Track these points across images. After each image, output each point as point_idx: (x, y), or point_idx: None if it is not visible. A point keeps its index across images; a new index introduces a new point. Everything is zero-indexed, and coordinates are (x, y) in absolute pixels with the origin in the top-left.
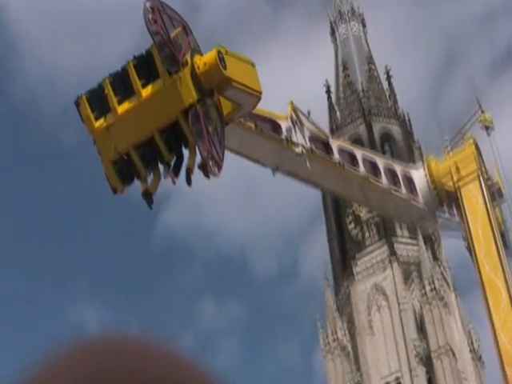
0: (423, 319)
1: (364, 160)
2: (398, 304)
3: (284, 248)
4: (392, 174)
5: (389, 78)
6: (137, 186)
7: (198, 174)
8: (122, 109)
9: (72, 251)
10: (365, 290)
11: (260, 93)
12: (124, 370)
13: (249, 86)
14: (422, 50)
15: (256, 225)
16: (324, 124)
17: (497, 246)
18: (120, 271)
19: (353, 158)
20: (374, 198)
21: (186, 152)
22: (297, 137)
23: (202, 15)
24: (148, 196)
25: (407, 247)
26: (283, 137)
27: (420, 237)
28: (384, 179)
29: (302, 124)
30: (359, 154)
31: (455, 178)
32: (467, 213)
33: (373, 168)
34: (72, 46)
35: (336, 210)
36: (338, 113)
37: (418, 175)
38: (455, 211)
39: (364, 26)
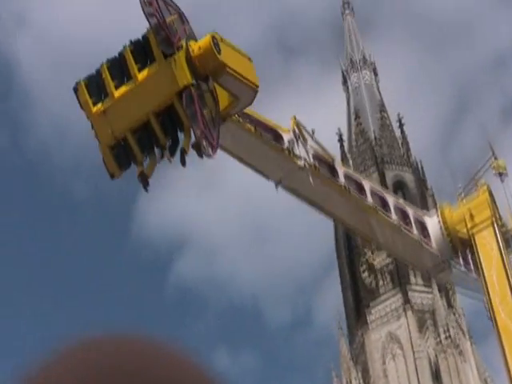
0: (438, 367)
1: (372, 192)
2: (413, 352)
3: (297, 297)
4: (403, 214)
5: (401, 125)
6: (147, 234)
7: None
8: (118, 93)
9: (84, 302)
10: (379, 339)
11: (257, 86)
12: (124, 369)
13: (245, 76)
14: (433, 97)
15: (269, 273)
16: None
17: None
18: (133, 321)
19: (360, 188)
20: (382, 234)
21: (181, 136)
22: (299, 150)
23: None
24: (144, 178)
25: (421, 295)
26: (285, 147)
27: (434, 284)
28: (394, 215)
29: (305, 140)
30: (367, 185)
31: (469, 225)
32: (482, 260)
33: (382, 202)
34: None
35: (349, 258)
36: (350, 161)
37: (432, 222)
38: (471, 262)
39: (376, 74)
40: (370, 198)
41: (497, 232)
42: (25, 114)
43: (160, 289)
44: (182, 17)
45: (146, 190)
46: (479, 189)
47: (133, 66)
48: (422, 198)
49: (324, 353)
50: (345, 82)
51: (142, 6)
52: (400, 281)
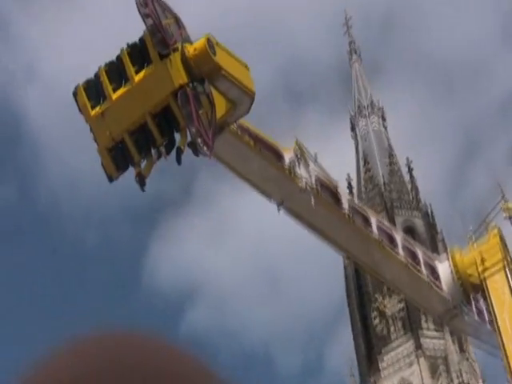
0: None
1: (379, 227)
2: None
3: (308, 343)
4: (411, 254)
5: (410, 170)
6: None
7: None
8: (116, 95)
9: None
10: None
11: (253, 92)
12: (125, 362)
13: (241, 81)
14: (441, 140)
15: (280, 320)
16: None
17: None
18: None
19: (366, 220)
20: (389, 270)
21: (178, 138)
22: (301, 171)
23: None
24: (141, 178)
25: (433, 341)
26: (286, 166)
27: (446, 329)
28: (401, 252)
29: (307, 163)
30: (374, 219)
31: (480, 269)
32: (494, 304)
33: (388, 238)
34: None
35: (360, 304)
36: None
37: (443, 266)
38: (483, 308)
39: (384, 119)
40: (375, 231)
41: (508, 276)
42: (34, 164)
43: (171, 338)
44: (178, 22)
45: (143, 190)
46: (490, 232)
47: (130, 68)
48: (432, 242)
49: None
50: (353, 128)
51: (137, 7)
52: (411, 326)
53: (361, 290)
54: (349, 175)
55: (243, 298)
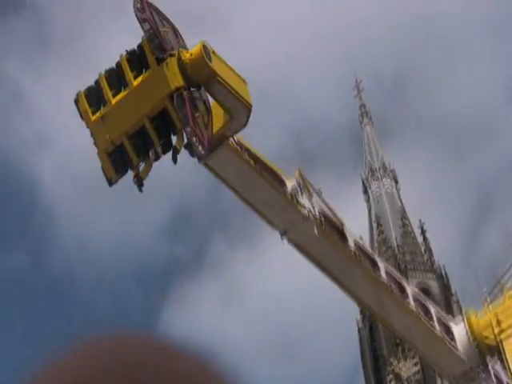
0: None
1: (388, 273)
2: None
3: None
4: (423, 307)
5: (423, 232)
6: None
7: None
8: (115, 100)
9: None
10: None
11: (250, 104)
12: (128, 362)
13: (237, 90)
14: (454, 200)
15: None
16: None
17: None
18: None
19: (374, 264)
20: (398, 319)
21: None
22: (303, 200)
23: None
24: (139, 180)
25: None
26: (288, 192)
27: None
28: (412, 302)
29: (310, 194)
30: (382, 264)
31: (496, 331)
32: (510, 366)
33: (399, 288)
34: (104, 213)
35: (375, 367)
36: None
37: (458, 328)
38: (501, 372)
39: (396, 181)
40: (384, 275)
41: None
42: (48, 231)
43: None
44: (175, 31)
45: (141, 191)
46: (505, 293)
47: (129, 73)
48: (447, 303)
49: None
50: (365, 190)
51: (135, 12)
52: None
53: (375, 354)
54: (361, 237)
55: (257, 363)
